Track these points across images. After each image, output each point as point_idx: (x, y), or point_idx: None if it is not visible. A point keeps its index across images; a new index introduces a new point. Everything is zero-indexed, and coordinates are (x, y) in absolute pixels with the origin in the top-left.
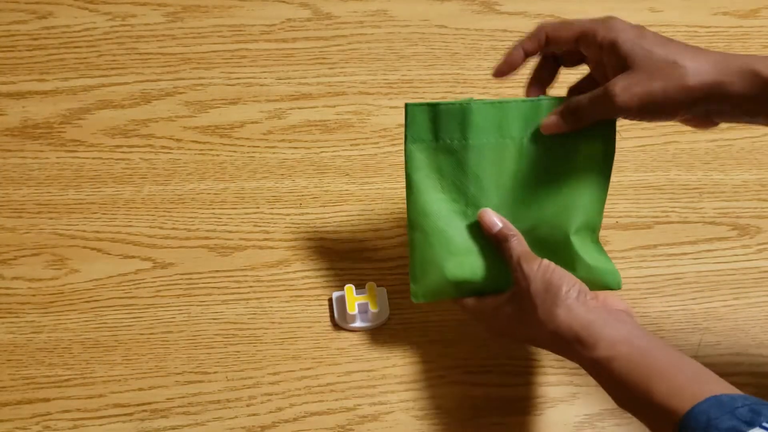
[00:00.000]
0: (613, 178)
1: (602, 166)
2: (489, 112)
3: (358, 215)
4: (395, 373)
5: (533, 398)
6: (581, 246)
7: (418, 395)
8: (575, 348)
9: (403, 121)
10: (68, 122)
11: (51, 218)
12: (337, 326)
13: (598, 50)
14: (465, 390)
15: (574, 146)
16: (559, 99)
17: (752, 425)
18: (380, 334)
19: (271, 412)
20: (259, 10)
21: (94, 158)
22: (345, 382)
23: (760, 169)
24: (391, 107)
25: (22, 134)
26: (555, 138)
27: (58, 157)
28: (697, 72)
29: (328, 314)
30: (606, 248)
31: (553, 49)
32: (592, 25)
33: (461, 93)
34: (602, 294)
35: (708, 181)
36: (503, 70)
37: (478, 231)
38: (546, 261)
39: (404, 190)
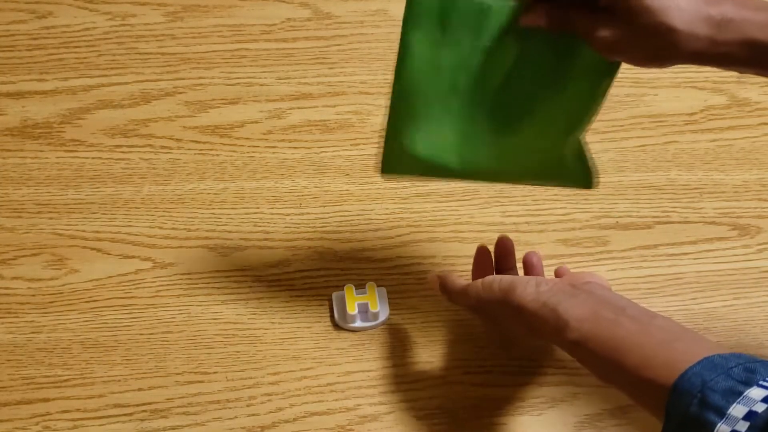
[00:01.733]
0: (613, 177)
1: (600, 78)
2: (504, 15)
3: (358, 215)
4: (395, 373)
5: (533, 398)
6: (567, 149)
7: (418, 395)
8: (551, 334)
9: None
10: (68, 122)
11: (51, 218)
12: (337, 326)
13: None
14: (465, 390)
15: (576, 53)
16: None
17: (749, 384)
18: (380, 334)
19: (271, 412)
20: (259, 10)
21: (93, 158)
22: (345, 382)
23: (760, 169)
24: None
25: (21, 134)
26: (561, 41)
27: (57, 157)
28: (690, 39)
29: (328, 314)
30: (606, 248)
31: None
32: None
33: None
34: (566, 274)
35: (708, 181)
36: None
37: (455, 121)
38: (487, 277)
39: (404, 189)
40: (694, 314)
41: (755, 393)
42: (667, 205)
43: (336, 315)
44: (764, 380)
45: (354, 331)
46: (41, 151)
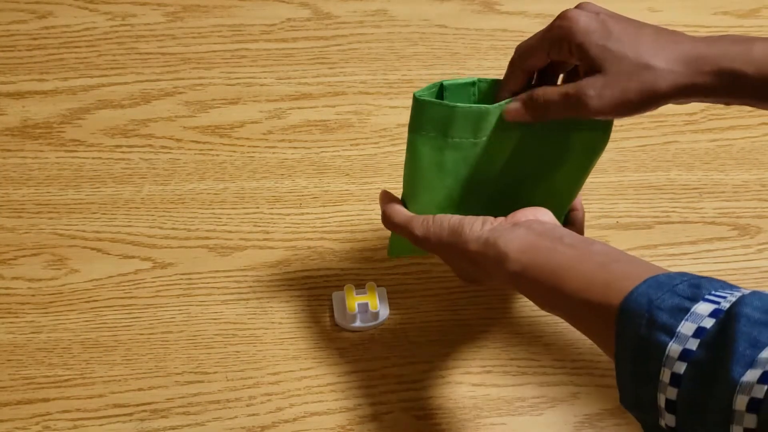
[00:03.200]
0: (614, 177)
1: (594, 154)
2: (499, 114)
3: (358, 215)
4: (395, 373)
5: (533, 398)
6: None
7: (418, 395)
8: (493, 268)
9: (404, 121)
10: (68, 122)
11: (51, 218)
12: (337, 326)
13: (568, 56)
14: (465, 390)
15: (570, 136)
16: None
17: (695, 300)
18: (380, 334)
19: (271, 412)
20: (259, 10)
21: (93, 158)
22: (345, 382)
23: (760, 169)
24: (391, 107)
25: (21, 134)
26: (553, 128)
27: (57, 157)
28: (669, 74)
29: (328, 314)
30: None
31: (533, 72)
32: (554, 40)
33: None
34: (515, 213)
35: (708, 181)
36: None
37: (459, 209)
38: (438, 215)
39: None
40: None
41: (702, 308)
42: (667, 205)
43: (336, 315)
44: (710, 294)
45: (354, 331)
46: (41, 151)
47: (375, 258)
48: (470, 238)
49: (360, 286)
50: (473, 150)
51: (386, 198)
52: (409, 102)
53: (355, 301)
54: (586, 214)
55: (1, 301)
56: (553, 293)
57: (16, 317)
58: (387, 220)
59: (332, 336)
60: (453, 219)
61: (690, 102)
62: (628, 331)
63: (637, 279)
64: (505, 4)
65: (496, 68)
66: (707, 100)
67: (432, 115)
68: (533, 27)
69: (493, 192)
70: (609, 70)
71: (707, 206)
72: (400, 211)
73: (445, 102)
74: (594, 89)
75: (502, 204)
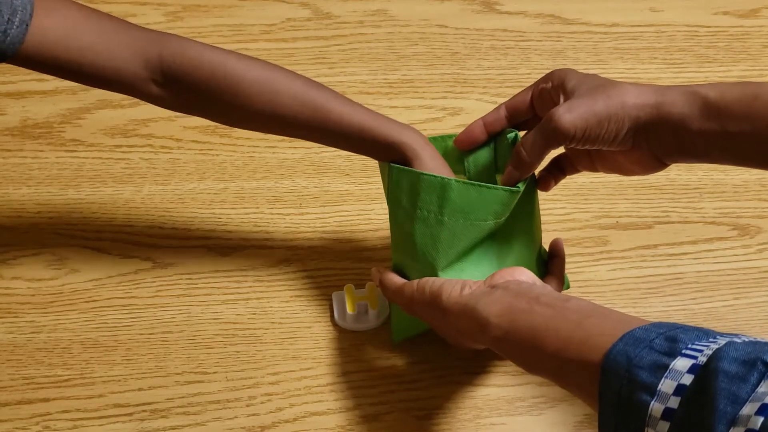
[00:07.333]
0: (614, 177)
1: (536, 221)
2: (468, 194)
3: (358, 215)
4: (395, 373)
5: (533, 398)
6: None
7: (418, 395)
8: (476, 334)
9: (404, 121)
10: (68, 122)
11: (51, 218)
12: (337, 326)
13: (552, 104)
14: (465, 390)
15: (522, 209)
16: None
17: (673, 355)
18: (380, 334)
19: (271, 412)
20: (259, 10)
21: (93, 158)
22: (345, 382)
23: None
24: (391, 107)
25: (21, 134)
26: (515, 211)
27: (57, 157)
28: (637, 92)
29: (328, 314)
30: (606, 248)
31: (516, 119)
32: (542, 83)
33: (461, 93)
34: (494, 274)
35: (708, 181)
36: (462, 141)
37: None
38: (423, 279)
39: None
40: (694, 314)
41: (680, 364)
42: (667, 205)
43: (336, 315)
44: (687, 348)
45: (354, 331)
46: (41, 151)
47: (375, 258)
48: (449, 303)
49: (360, 286)
50: (440, 229)
51: (378, 270)
52: (409, 102)
53: (355, 301)
54: (587, 214)
55: (1, 301)
56: (534, 355)
57: (16, 317)
58: (384, 288)
59: (332, 336)
60: (435, 283)
61: (656, 145)
62: (610, 391)
63: (611, 334)
64: (505, 4)
65: (496, 68)
66: (675, 138)
67: (402, 182)
68: (533, 27)
69: (473, 277)
70: (581, 93)
71: (707, 206)
72: (392, 280)
73: (413, 169)
74: (564, 107)
75: (484, 270)
